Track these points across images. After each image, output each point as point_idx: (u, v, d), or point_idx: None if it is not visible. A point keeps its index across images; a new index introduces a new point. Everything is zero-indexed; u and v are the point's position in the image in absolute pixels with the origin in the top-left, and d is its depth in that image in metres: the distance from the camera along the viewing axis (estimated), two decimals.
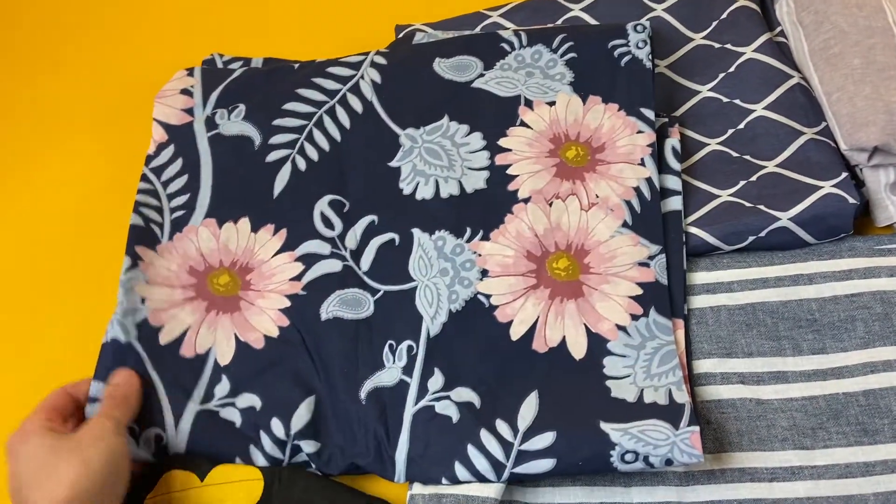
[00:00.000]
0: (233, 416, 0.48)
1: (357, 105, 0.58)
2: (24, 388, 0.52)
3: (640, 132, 0.55)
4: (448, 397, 0.48)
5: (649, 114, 0.55)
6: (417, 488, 0.47)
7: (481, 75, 0.58)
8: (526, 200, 0.53)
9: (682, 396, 0.46)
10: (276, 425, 0.48)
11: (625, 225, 0.52)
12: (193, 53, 0.64)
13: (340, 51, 0.65)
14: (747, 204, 0.53)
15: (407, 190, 0.55)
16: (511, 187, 0.54)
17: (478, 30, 0.64)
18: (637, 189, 0.53)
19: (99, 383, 0.48)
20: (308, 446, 0.47)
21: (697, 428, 0.44)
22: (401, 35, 0.65)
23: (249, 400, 0.49)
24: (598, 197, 0.53)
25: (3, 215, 0.63)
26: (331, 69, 0.59)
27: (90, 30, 0.73)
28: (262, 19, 0.71)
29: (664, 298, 0.50)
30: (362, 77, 0.59)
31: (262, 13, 0.72)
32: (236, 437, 0.48)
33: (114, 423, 0.45)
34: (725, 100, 0.58)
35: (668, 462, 0.44)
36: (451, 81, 0.58)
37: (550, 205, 0.53)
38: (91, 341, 0.51)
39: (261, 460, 0.48)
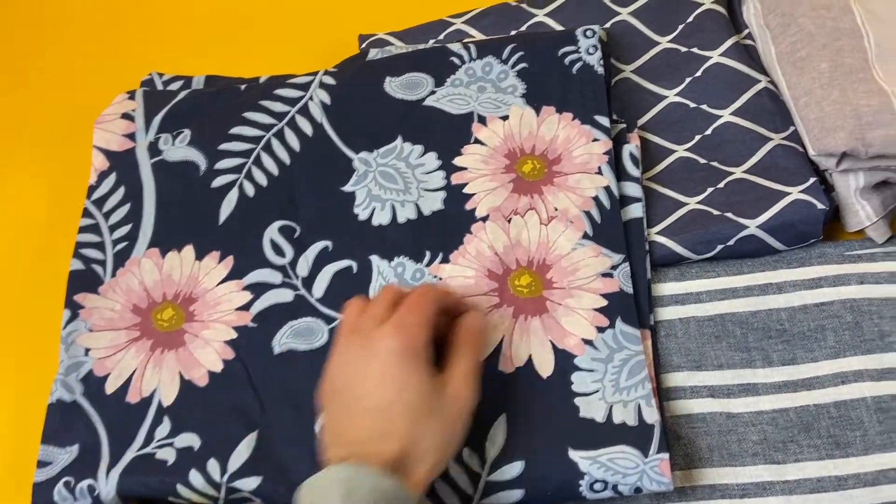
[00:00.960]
0: (167, 455, 0.47)
1: (307, 128, 0.57)
2: None
3: (595, 140, 0.54)
4: None
5: (604, 121, 0.54)
6: None
7: (432, 92, 0.57)
8: (484, 219, 0.52)
9: (651, 414, 0.45)
10: (213, 465, 0.46)
11: (585, 236, 0.51)
12: (139, 74, 0.62)
13: (303, 63, 0.64)
14: (715, 212, 0.52)
15: (363, 216, 0.53)
16: (468, 206, 0.53)
17: (442, 37, 0.63)
18: (596, 199, 0.52)
19: (48, 447, 0.47)
20: (248, 483, 0.46)
21: (667, 455, 0.43)
22: (364, 44, 0.64)
23: (188, 440, 0.47)
24: (556, 210, 0.52)
25: None
26: (278, 91, 0.58)
27: (24, 54, 0.70)
28: (219, 32, 0.69)
29: (630, 308, 0.49)
30: (311, 98, 0.57)
31: (219, 25, 0.69)
32: (165, 476, 0.46)
33: (475, 394, 0.42)
34: (692, 105, 0.58)
35: (638, 490, 0.43)
36: (402, 101, 0.57)
37: (509, 221, 0.52)
38: (32, 399, 0.50)
39: (192, 498, 0.46)
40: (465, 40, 0.60)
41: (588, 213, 0.52)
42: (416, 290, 0.44)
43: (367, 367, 0.41)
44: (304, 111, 0.57)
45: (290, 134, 0.56)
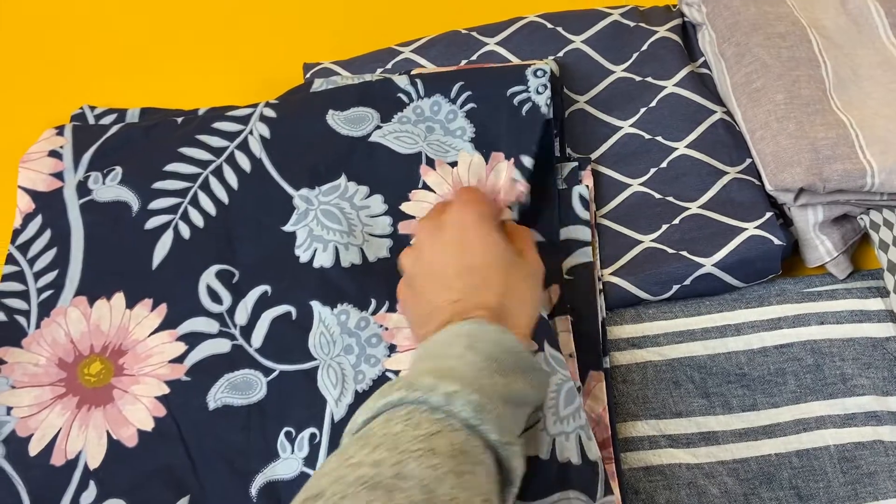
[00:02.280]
0: None
1: (245, 163, 0.54)
2: None
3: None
4: None
5: (528, 162, 0.51)
6: None
7: (378, 127, 0.54)
8: None
9: (592, 449, 0.42)
10: None
11: None
12: (70, 107, 0.59)
13: (245, 93, 0.61)
14: (670, 250, 0.50)
15: (304, 258, 0.50)
16: None
17: (390, 66, 0.61)
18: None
19: None
20: None
21: (613, 498, 0.41)
22: (308, 74, 0.61)
23: None
24: None
25: None
26: (217, 124, 0.55)
27: None
28: (152, 61, 0.66)
29: (552, 333, 0.45)
30: (251, 132, 0.55)
31: (151, 55, 0.66)
32: None
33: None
34: (647, 136, 0.56)
35: None
36: (346, 136, 0.54)
37: None
38: None
39: None
40: (412, 72, 0.57)
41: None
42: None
43: (449, 239, 0.43)
44: (244, 146, 0.54)
45: (228, 171, 0.53)
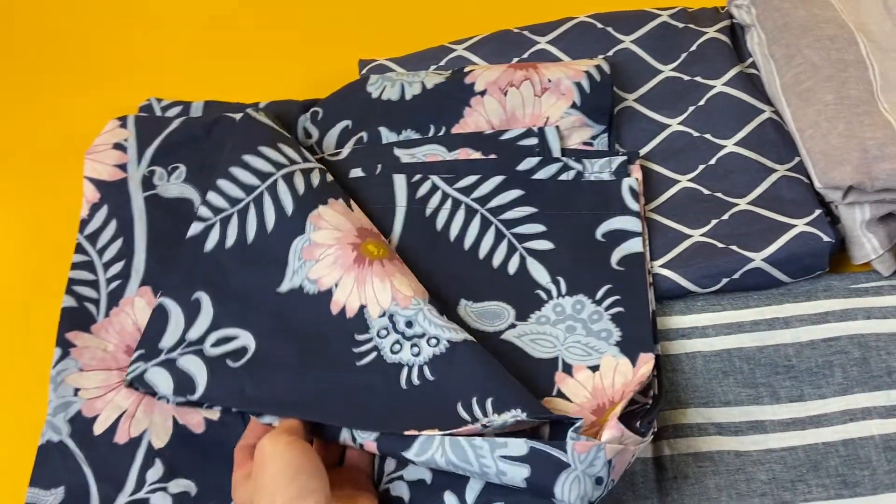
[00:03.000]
0: (162, 501, 0.46)
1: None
2: None
3: None
4: (401, 477, 0.45)
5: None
6: None
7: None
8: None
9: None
10: None
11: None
12: (136, 99, 0.61)
13: (303, 85, 0.63)
14: (719, 245, 0.52)
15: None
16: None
17: (443, 63, 0.63)
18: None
19: (35, 489, 0.46)
20: None
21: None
22: (364, 70, 0.63)
23: (184, 485, 0.46)
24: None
25: None
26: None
27: (16, 79, 0.68)
28: (218, 56, 0.68)
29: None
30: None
31: (217, 50, 0.69)
32: None
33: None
34: (696, 134, 0.57)
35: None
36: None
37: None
38: (22, 440, 0.49)
39: None
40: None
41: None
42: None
43: None
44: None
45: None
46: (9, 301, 0.57)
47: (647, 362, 0.47)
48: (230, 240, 0.52)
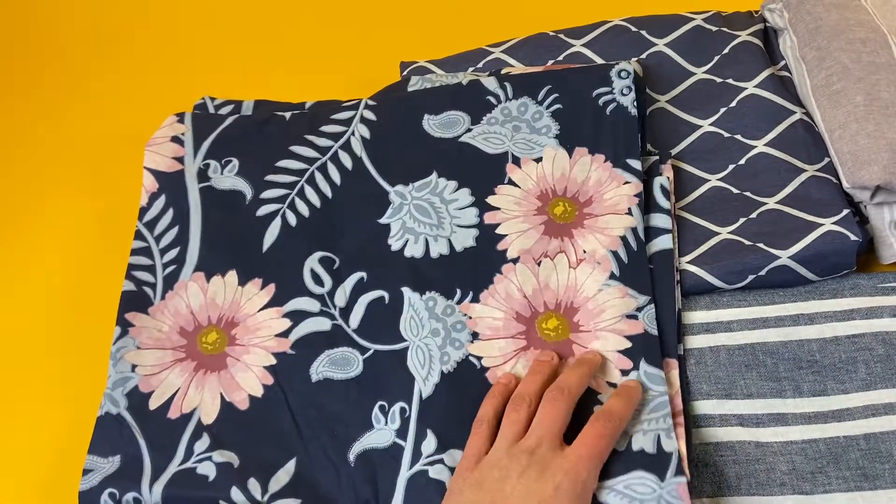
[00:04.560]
0: (208, 470, 0.49)
1: (347, 162, 0.59)
2: (22, 461, 0.53)
3: (626, 183, 0.54)
4: (441, 461, 0.47)
5: (635, 164, 0.55)
6: None
7: (468, 130, 0.59)
8: (515, 260, 0.53)
9: (670, 444, 0.45)
10: (253, 484, 0.48)
11: (612, 276, 0.52)
12: (187, 96, 0.65)
13: (347, 86, 0.66)
14: (747, 242, 0.53)
15: (396, 247, 0.55)
16: (500, 247, 0.54)
17: (481, 65, 0.65)
18: (623, 238, 0.53)
19: (93, 456, 0.49)
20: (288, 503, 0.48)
21: (685, 479, 0.44)
22: (405, 72, 0.66)
23: (227, 456, 0.49)
24: (585, 252, 0.53)
25: None
26: (323, 127, 0.60)
27: (78, 76, 0.73)
28: (263, 58, 0.72)
29: (654, 349, 0.49)
30: (353, 133, 0.60)
31: (263, 52, 0.73)
32: (208, 492, 0.48)
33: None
34: (726, 135, 0.58)
35: None
36: (439, 139, 0.58)
37: (539, 264, 0.53)
38: (84, 410, 0.53)
39: None
40: (501, 71, 0.61)
41: (615, 254, 0.52)
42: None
43: None
44: (346, 146, 0.59)
45: (332, 168, 0.59)
46: (75, 283, 0.61)
47: (672, 368, 0.49)
48: None
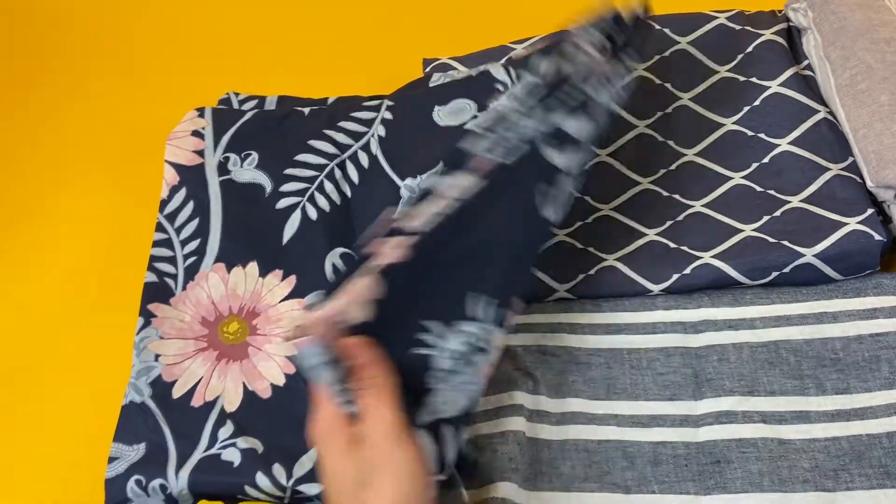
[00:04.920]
0: (233, 456, 0.49)
1: (365, 161, 0.59)
2: (49, 450, 0.54)
3: None
4: None
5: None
6: None
7: (474, 117, 0.59)
8: None
9: None
10: (278, 470, 0.49)
11: None
12: (212, 92, 0.66)
13: (370, 83, 0.67)
14: (771, 239, 0.53)
15: None
16: None
17: (502, 62, 0.65)
18: None
19: (118, 444, 0.50)
20: (312, 488, 0.48)
21: None
22: (428, 68, 0.67)
23: (251, 443, 0.50)
24: None
25: (12, 274, 0.64)
26: (343, 123, 0.61)
27: (100, 69, 0.74)
28: (286, 55, 0.73)
29: None
30: (373, 136, 0.60)
31: (286, 49, 0.73)
32: (233, 478, 0.49)
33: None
34: (750, 133, 0.58)
35: None
36: (446, 127, 0.59)
37: None
38: (108, 400, 0.53)
39: (260, 497, 0.49)
40: (510, 56, 0.61)
41: None
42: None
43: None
44: (366, 147, 0.60)
45: (350, 167, 0.59)
46: (98, 274, 0.62)
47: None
48: None
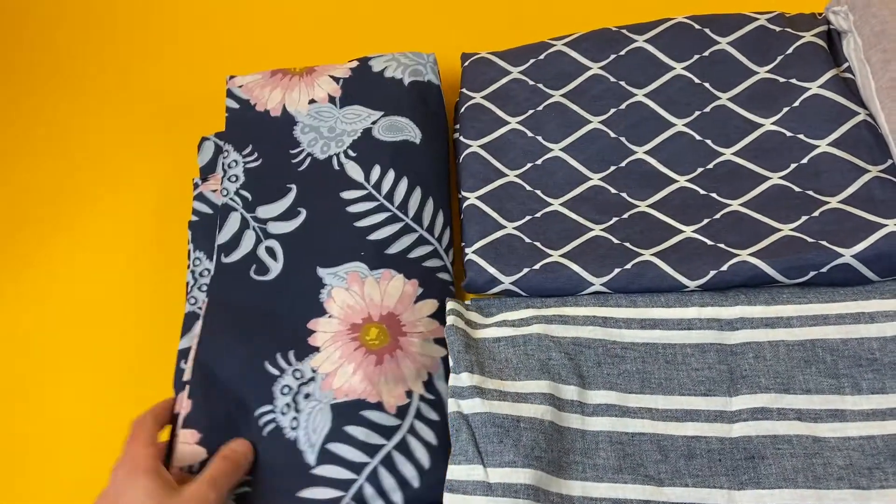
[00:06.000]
0: None
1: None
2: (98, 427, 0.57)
3: None
4: None
5: None
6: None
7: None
8: None
9: None
10: None
11: None
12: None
13: None
14: (809, 239, 0.53)
15: None
16: None
17: (542, 57, 0.66)
18: None
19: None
20: None
21: None
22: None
23: None
24: None
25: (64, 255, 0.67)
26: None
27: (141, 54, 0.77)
28: (330, 41, 0.74)
29: None
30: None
31: (330, 34, 0.74)
32: None
33: (218, 495, 0.47)
34: (789, 134, 0.59)
35: None
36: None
37: None
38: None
39: None
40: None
41: None
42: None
43: None
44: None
45: None
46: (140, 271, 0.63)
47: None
48: None
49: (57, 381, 0.61)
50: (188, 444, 0.51)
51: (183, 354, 0.58)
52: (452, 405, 0.50)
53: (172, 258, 0.64)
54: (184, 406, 0.53)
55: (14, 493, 0.57)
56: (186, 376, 0.55)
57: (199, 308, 0.59)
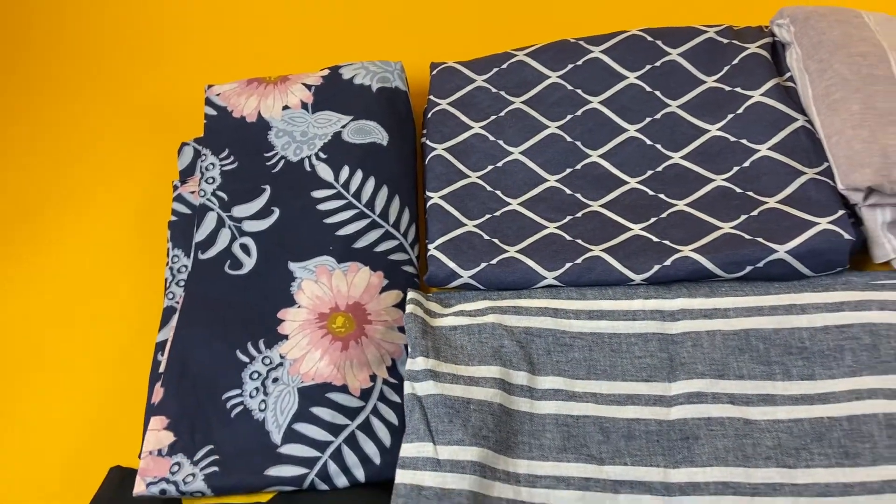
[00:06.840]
0: None
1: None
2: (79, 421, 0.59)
3: None
4: None
5: None
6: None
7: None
8: None
9: None
10: None
11: None
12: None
13: None
14: (747, 236, 0.56)
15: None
16: None
17: (505, 66, 0.70)
18: None
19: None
20: None
21: None
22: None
23: None
24: None
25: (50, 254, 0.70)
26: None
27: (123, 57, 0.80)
28: (295, 58, 0.78)
29: None
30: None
31: (294, 52, 0.78)
32: None
33: None
34: (732, 139, 0.62)
35: None
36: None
37: None
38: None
39: None
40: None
41: None
42: None
43: None
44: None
45: None
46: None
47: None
48: None
49: (39, 371, 0.64)
50: (157, 430, 0.54)
51: (160, 347, 0.60)
52: (408, 387, 0.53)
53: (153, 256, 0.67)
54: (157, 395, 0.56)
55: None
56: (162, 368, 0.57)
57: (177, 302, 0.62)
